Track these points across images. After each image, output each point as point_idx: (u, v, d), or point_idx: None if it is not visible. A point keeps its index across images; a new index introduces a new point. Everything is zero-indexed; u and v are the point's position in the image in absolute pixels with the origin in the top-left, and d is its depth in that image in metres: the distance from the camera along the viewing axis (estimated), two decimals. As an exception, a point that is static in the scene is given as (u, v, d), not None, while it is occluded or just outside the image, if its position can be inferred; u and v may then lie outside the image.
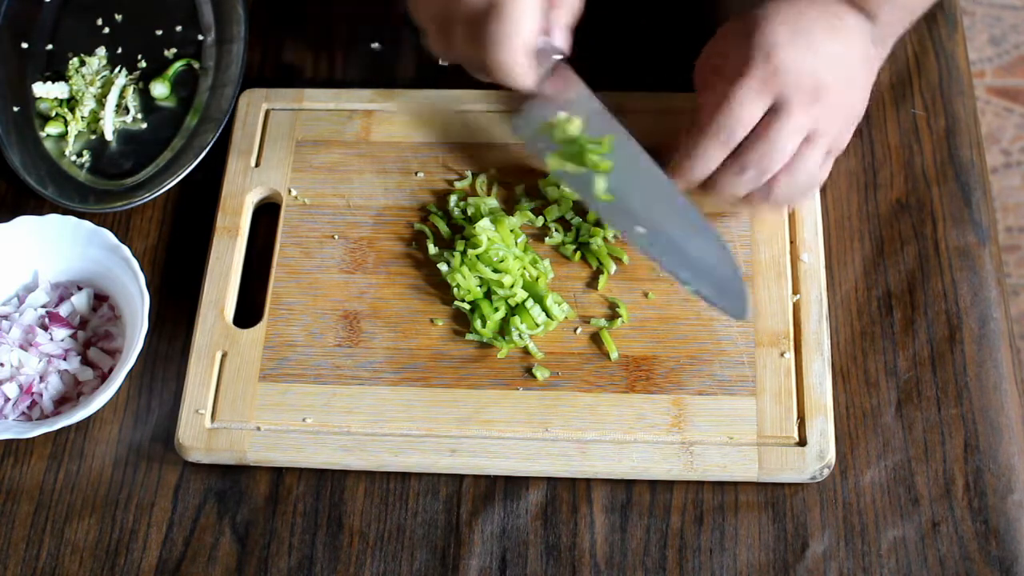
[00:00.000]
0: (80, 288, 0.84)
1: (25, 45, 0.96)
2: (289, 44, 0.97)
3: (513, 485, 0.79)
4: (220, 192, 0.88)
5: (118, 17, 0.97)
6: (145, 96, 0.94)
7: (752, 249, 0.84)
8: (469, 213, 0.85)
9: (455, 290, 0.82)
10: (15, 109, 0.93)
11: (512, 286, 0.81)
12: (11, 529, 0.79)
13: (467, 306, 0.82)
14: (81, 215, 0.88)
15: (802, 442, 0.78)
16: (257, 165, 0.89)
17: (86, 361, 0.82)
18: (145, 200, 0.88)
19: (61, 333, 0.82)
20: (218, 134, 0.90)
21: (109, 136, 0.92)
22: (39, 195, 0.89)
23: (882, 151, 0.89)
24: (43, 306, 0.84)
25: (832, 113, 0.77)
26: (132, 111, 0.93)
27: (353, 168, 0.88)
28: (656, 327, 0.82)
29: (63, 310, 0.83)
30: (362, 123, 0.91)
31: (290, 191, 0.88)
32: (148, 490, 0.80)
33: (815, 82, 0.75)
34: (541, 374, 0.80)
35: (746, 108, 0.75)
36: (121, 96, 0.93)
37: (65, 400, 0.81)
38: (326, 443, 0.79)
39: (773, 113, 0.75)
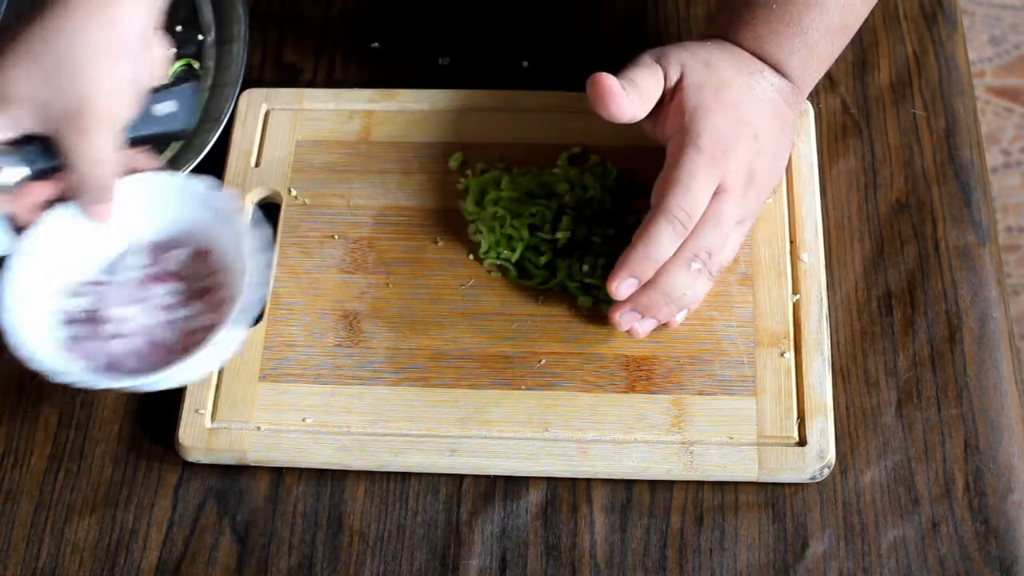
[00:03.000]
0: (177, 246, 0.83)
1: (25, 45, 0.96)
2: (289, 44, 0.97)
3: (513, 485, 0.79)
4: (220, 192, 0.88)
5: (118, 17, 0.97)
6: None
7: (752, 249, 0.84)
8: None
9: (491, 247, 0.83)
10: (15, 109, 0.93)
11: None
12: (11, 529, 0.79)
13: (508, 262, 0.82)
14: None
15: (802, 442, 0.78)
16: (257, 165, 0.89)
17: (199, 312, 0.81)
18: (145, 200, 0.88)
19: (167, 288, 0.81)
20: (218, 134, 0.90)
21: (109, 136, 0.92)
22: (39, 195, 0.89)
23: (882, 151, 0.89)
24: (144, 266, 0.82)
25: (758, 197, 0.78)
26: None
27: (353, 168, 0.88)
28: (656, 327, 0.82)
29: (164, 266, 0.82)
30: (362, 123, 0.91)
31: (290, 191, 0.88)
32: (148, 490, 0.80)
33: (750, 171, 0.76)
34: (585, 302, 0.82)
35: (702, 193, 0.74)
36: (121, 96, 0.93)
37: (185, 351, 0.79)
38: (326, 443, 0.79)
39: (715, 197, 0.75)
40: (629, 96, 0.76)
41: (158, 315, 0.80)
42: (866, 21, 0.94)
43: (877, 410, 0.80)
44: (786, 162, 0.81)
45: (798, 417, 0.78)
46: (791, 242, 0.84)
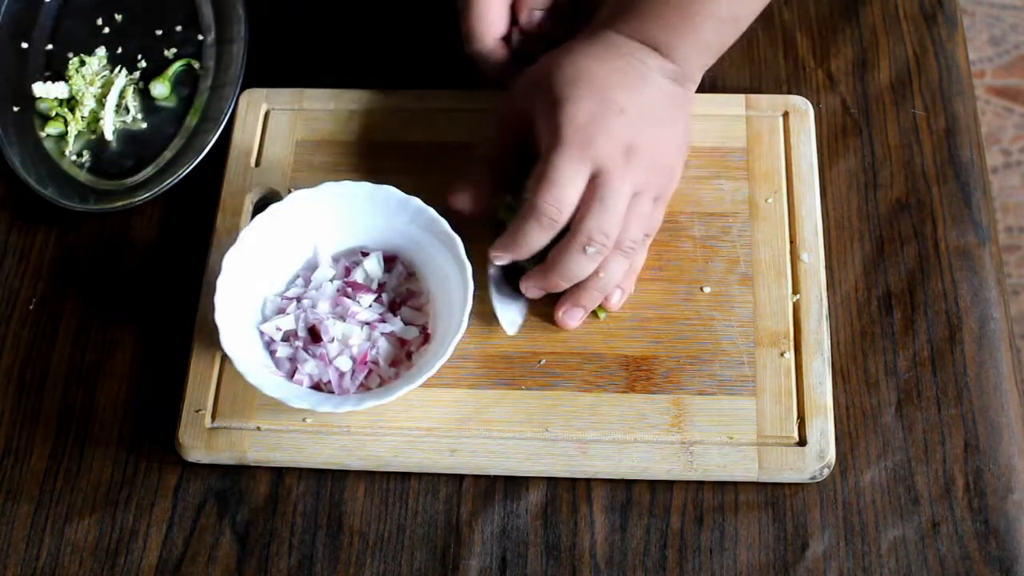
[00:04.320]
0: (365, 254, 0.83)
1: (25, 45, 0.96)
2: (289, 44, 0.97)
3: (513, 485, 0.79)
4: (220, 192, 0.88)
5: (118, 17, 0.97)
6: (145, 96, 0.94)
7: (752, 249, 0.84)
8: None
9: None
10: (15, 109, 0.93)
11: None
12: (11, 529, 0.79)
13: None
14: (81, 215, 0.88)
15: (802, 442, 0.78)
16: (257, 165, 0.89)
17: (401, 323, 0.81)
18: (145, 200, 0.88)
19: (367, 299, 0.81)
20: (218, 134, 0.90)
21: (109, 136, 0.92)
22: (39, 195, 0.89)
23: (882, 151, 0.89)
24: (332, 279, 0.82)
25: (649, 167, 0.78)
26: (132, 111, 0.93)
27: (353, 168, 0.88)
28: (656, 327, 0.82)
29: (358, 276, 0.82)
30: (362, 123, 0.91)
31: (290, 191, 0.88)
32: (148, 490, 0.80)
33: (626, 145, 0.76)
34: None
35: (570, 186, 0.75)
36: (121, 96, 0.93)
37: (396, 362, 0.80)
38: (326, 443, 0.79)
39: (595, 181, 0.76)
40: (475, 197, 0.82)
41: (364, 330, 0.80)
42: (866, 21, 0.95)
43: (877, 410, 0.80)
44: (682, 134, 0.81)
45: (798, 417, 0.78)
46: (791, 242, 0.84)
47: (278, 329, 0.80)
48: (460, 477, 0.79)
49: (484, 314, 0.82)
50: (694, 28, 0.79)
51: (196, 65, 0.95)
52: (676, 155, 0.81)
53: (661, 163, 0.79)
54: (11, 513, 0.80)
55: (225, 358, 0.81)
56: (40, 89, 0.93)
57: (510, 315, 0.81)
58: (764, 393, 0.79)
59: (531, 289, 0.80)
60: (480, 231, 0.84)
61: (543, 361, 0.81)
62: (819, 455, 0.77)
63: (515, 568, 0.76)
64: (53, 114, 0.93)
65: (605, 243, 0.77)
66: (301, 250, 0.83)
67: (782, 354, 0.80)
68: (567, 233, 0.77)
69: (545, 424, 0.79)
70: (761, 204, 0.86)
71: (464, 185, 0.82)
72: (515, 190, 0.80)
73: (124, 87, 0.94)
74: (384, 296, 0.82)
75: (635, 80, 0.78)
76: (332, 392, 0.79)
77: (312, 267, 0.83)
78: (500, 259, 0.80)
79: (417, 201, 0.81)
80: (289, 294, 0.82)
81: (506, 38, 0.85)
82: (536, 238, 0.77)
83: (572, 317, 0.81)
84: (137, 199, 0.88)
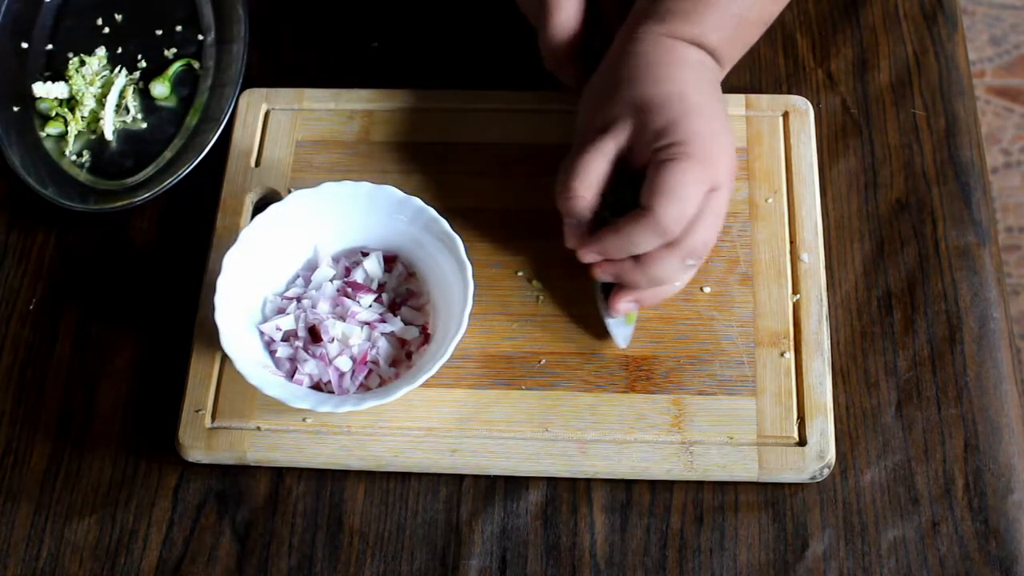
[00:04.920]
0: (365, 254, 0.83)
1: (25, 45, 0.96)
2: (289, 44, 0.97)
3: (513, 485, 0.79)
4: (220, 192, 0.88)
5: (118, 17, 0.97)
6: (145, 96, 0.94)
7: (752, 249, 0.84)
8: None
9: None
10: (15, 109, 0.93)
11: None
12: (11, 529, 0.79)
13: None
14: (81, 215, 0.88)
15: (802, 442, 0.78)
16: (257, 165, 0.89)
17: (401, 323, 0.81)
18: (145, 200, 0.88)
19: (367, 299, 0.81)
20: (218, 134, 0.90)
21: (109, 136, 0.92)
22: (39, 195, 0.89)
23: (882, 151, 0.89)
24: (332, 279, 0.82)
25: (731, 173, 0.78)
26: (132, 111, 0.93)
27: (353, 168, 0.88)
28: (656, 327, 0.82)
29: (358, 276, 0.82)
30: (362, 123, 0.91)
31: (290, 191, 0.88)
32: (148, 490, 0.80)
33: (732, 161, 0.77)
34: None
35: (692, 201, 0.74)
36: (121, 96, 0.93)
37: (396, 362, 0.80)
38: (326, 443, 0.79)
39: (708, 195, 0.76)
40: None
41: (364, 330, 0.80)
42: (866, 21, 0.95)
43: (877, 410, 0.80)
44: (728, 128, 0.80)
45: (798, 417, 0.78)
46: (791, 242, 0.84)
47: (278, 329, 0.80)
48: (460, 477, 0.79)
49: (484, 314, 0.82)
50: (736, 29, 0.80)
51: (196, 65, 0.95)
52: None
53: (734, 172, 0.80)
54: (11, 513, 0.80)
55: (225, 358, 0.81)
56: (40, 89, 0.93)
57: (622, 329, 0.81)
58: (764, 393, 0.79)
59: (605, 274, 0.79)
60: (481, 231, 0.84)
61: (543, 361, 0.81)
62: (819, 455, 0.77)
63: (515, 568, 0.76)
64: (53, 114, 0.93)
65: (703, 257, 0.78)
66: (301, 250, 0.83)
67: (782, 354, 0.80)
68: (671, 242, 0.76)
69: (545, 424, 0.79)
70: (761, 204, 0.86)
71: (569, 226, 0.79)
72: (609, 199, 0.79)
73: (124, 87, 0.94)
74: (384, 296, 0.82)
75: (717, 91, 0.79)
76: (332, 392, 0.79)
77: (312, 267, 0.83)
78: (591, 255, 0.78)
79: (417, 201, 0.81)
80: (289, 294, 0.82)
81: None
82: (645, 246, 0.76)
83: (625, 309, 0.80)
84: (137, 199, 0.88)
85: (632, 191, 0.76)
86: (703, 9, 0.78)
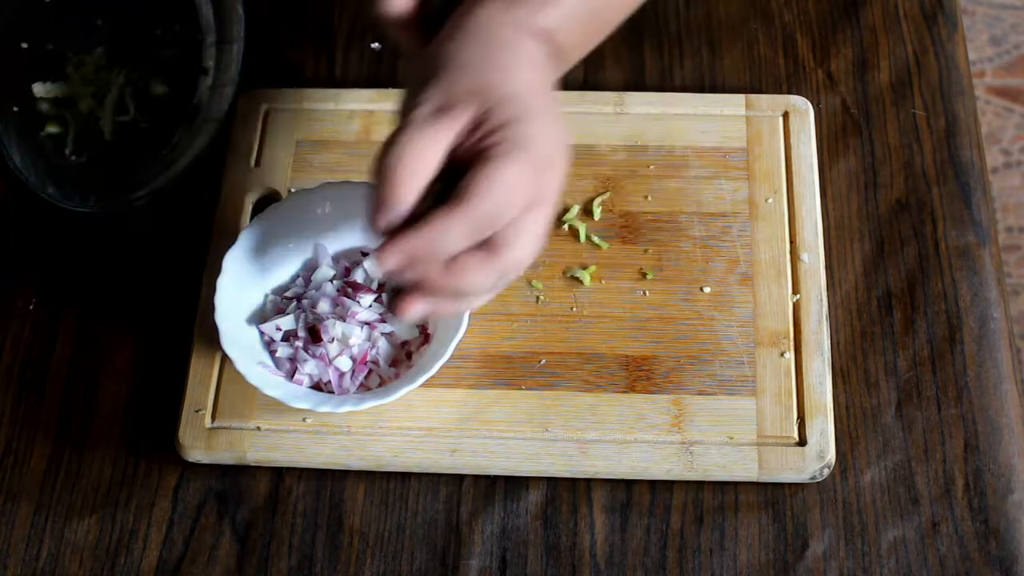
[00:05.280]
0: (365, 254, 0.83)
1: (25, 45, 0.96)
2: (289, 44, 0.97)
3: (513, 485, 0.79)
4: (220, 192, 0.88)
5: (118, 17, 0.97)
6: (145, 96, 0.94)
7: (752, 249, 0.84)
8: None
9: None
10: (15, 109, 0.93)
11: None
12: (11, 529, 0.79)
13: None
14: (81, 215, 0.88)
15: (802, 442, 0.78)
16: (257, 165, 0.89)
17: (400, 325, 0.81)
18: (145, 200, 0.88)
19: (367, 299, 0.81)
20: (218, 134, 0.90)
21: (109, 136, 0.92)
22: (39, 195, 0.89)
23: (882, 151, 0.89)
24: (332, 279, 0.82)
25: (557, 194, 0.70)
26: (132, 111, 0.93)
27: (353, 168, 0.88)
28: (656, 327, 0.82)
29: (358, 276, 0.82)
30: (362, 123, 0.91)
31: (290, 191, 0.88)
32: (148, 490, 0.80)
33: (561, 173, 0.69)
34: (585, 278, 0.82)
35: (519, 204, 0.66)
36: (120, 96, 0.93)
37: (396, 362, 0.80)
38: (326, 443, 0.79)
39: (534, 210, 0.68)
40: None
41: (364, 330, 0.80)
42: (866, 21, 0.95)
43: (877, 410, 0.80)
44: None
45: (798, 417, 0.78)
46: (791, 242, 0.84)
47: (278, 329, 0.80)
48: (460, 477, 0.79)
49: (484, 314, 0.82)
50: (585, 28, 0.74)
51: (196, 65, 0.95)
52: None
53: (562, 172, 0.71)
54: (11, 513, 0.80)
55: (225, 358, 0.81)
56: (40, 89, 0.93)
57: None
58: (764, 393, 0.79)
59: (418, 309, 0.69)
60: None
61: (543, 361, 0.81)
62: (819, 455, 0.77)
63: (515, 568, 0.76)
64: (53, 114, 0.93)
65: (516, 276, 0.70)
66: (301, 250, 0.83)
67: (782, 354, 0.80)
68: (487, 246, 0.67)
69: (545, 424, 0.79)
70: (761, 204, 0.86)
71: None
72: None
73: (123, 87, 0.94)
74: (384, 296, 0.82)
75: (553, 96, 0.72)
76: (332, 392, 0.79)
77: (312, 267, 0.83)
78: (394, 258, 0.67)
79: None
80: (289, 294, 0.82)
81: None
82: (455, 244, 0.66)
83: (415, 315, 0.69)
84: (137, 199, 0.88)
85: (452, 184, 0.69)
86: (554, 2, 0.71)
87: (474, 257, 0.67)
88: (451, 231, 0.65)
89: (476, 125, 0.68)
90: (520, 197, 0.66)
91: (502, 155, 0.66)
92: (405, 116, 0.68)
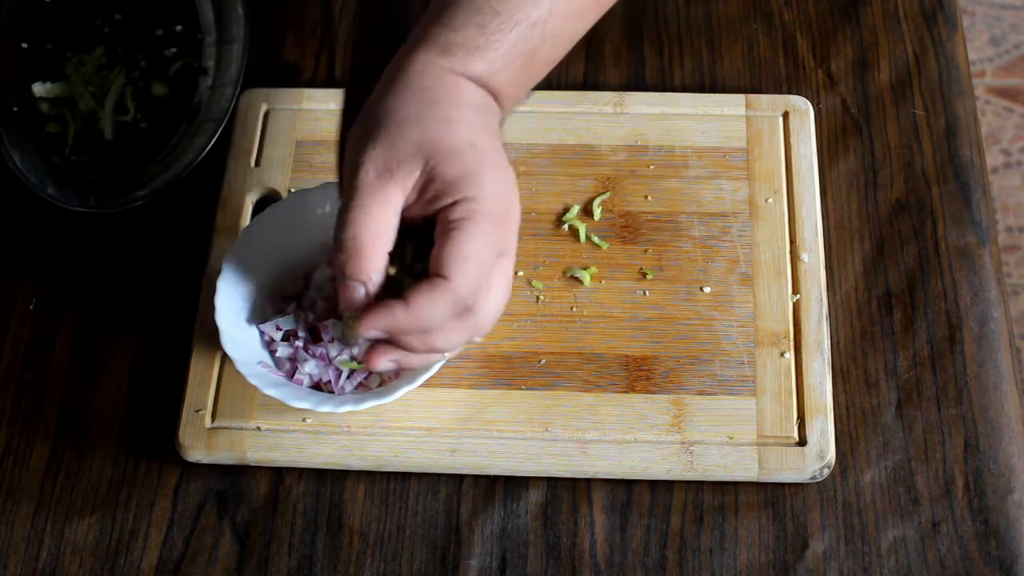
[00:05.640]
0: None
1: (25, 45, 0.96)
2: (289, 44, 0.97)
3: (513, 485, 0.79)
4: (220, 192, 0.88)
5: (118, 17, 0.97)
6: (145, 96, 0.94)
7: (752, 249, 0.84)
8: None
9: None
10: (15, 109, 0.93)
11: None
12: (11, 529, 0.79)
13: None
14: (81, 215, 0.88)
15: (802, 442, 0.78)
16: (257, 165, 0.89)
17: None
18: (145, 200, 0.88)
19: None
20: (218, 134, 0.90)
21: (109, 136, 0.92)
22: (39, 195, 0.89)
23: (882, 151, 0.89)
24: (332, 278, 0.81)
25: (516, 237, 0.69)
26: (132, 111, 0.93)
27: (353, 168, 0.88)
28: (656, 327, 0.82)
29: None
30: (362, 123, 0.91)
31: (290, 191, 0.88)
32: (148, 490, 0.80)
33: (517, 217, 0.69)
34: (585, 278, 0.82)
35: (489, 264, 0.66)
36: (121, 96, 0.93)
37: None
38: (326, 443, 0.79)
39: (500, 262, 0.68)
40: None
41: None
42: (866, 21, 0.95)
43: (877, 410, 0.80)
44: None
45: (798, 417, 0.78)
46: (791, 242, 0.84)
47: (278, 329, 0.80)
48: (460, 477, 0.79)
49: (484, 314, 0.82)
50: (523, 70, 0.71)
51: (196, 65, 0.95)
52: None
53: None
54: (11, 513, 0.80)
55: (225, 358, 0.81)
56: (40, 89, 0.93)
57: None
58: (764, 393, 0.79)
59: (386, 363, 0.69)
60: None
61: (543, 361, 0.81)
62: (819, 455, 0.77)
63: (515, 568, 0.76)
64: (53, 114, 0.93)
65: (487, 332, 0.69)
66: (301, 250, 0.83)
67: (782, 354, 0.80)
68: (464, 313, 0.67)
69: (545, 424, 0.79)
70: (761, 204, 0.86)
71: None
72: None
73: (124, 87, 0.94)
74: (333, 327, 0.82)
75: (500, 138, 0.70)
76: (332, 392, 0.79)
77: (312, 267, 0.83)
78: (373, 333, 0.67)
79: None
80: (289, 294, 0.82)
81: None
82: (440, 320, 0.66)
83: (385, 368, 0.70)
84: (137, 199, 0.88)
85: (413, 244, 0.69)
86: (491, 45, 0.69)
87: (449, 323, 0.67)
88: (435, 311, 0.65)
89: (426, 183, 0.66)
90: (490, 258, 0.66)
91: (467, 228, 0.65)
92: (351, 179, 0.67)
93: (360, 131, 0.68)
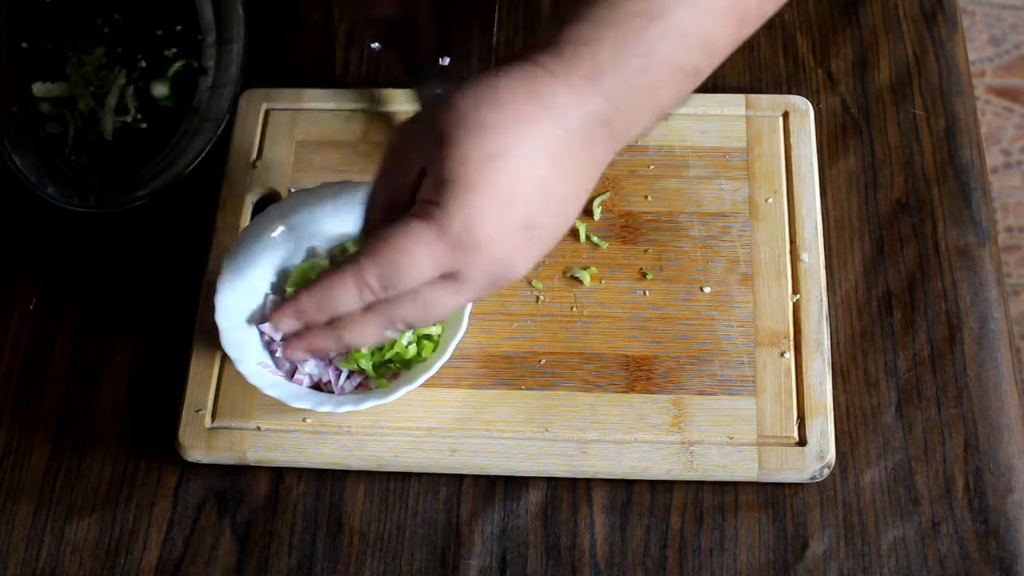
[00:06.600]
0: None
1: (25, 45, 0.96)
2: (289, 44, 0.97)
3: (513, 485, 0.79)
4: (220, 192, 0.88)
5: (118, 17, 0.97)
6: (145, 96, 0.94)
7: (752, 249, 0.84)
8: None
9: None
10: (15, 109, 0.93)
11: None
12: (11, 529, 0.79)
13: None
14: (81, 215, 0.88)
15: (802, 442, 0.78)
16: (257, 165, 0.89)
17: None
18: (145, 200, 0.88)
19: None
20: (218, 134, 0.90)
21: (109, 136, 0.92)
22: (39, 195, 0.89)
23: (882, 151, 0.89)
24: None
25: (493, 284, 0.65)
26: (132, 111, 0.93)
27: (353, 168, 0.88)
28: (656, 327, 0.82)
29: None
30: (362, 123, 0.91)
31: (290, 191, 0.88)
32: (148, 490, 0.80)
33: (508, 262, 0.64)
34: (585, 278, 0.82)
35: (422, 275, 0.63)
36: (121, 96, 0.93)
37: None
38: (326, 443, 0.79)
39: (444, 283, 0.64)
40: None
41: None
42: (866, 21, 0.95)
43: (877, 410, 0.80)
44: (575, 205, 0.67)
45: (798, 417, 0.78)
46: (791, 242, 0.84)
47: (278, 329, 0.80)
48: (460, 477, 0.79)
49: (484, 314, 0.82)
50: (639, 69, 0.65)
51: (196, 65, 0.95)
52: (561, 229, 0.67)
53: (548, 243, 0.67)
54: (11, 513, 0.80)
55: (225, 358, 0.81)
56: (40, 89, 0.94)
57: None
58: (764, 393, 0.79)
59: (298, 352, 0.69)
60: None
61: (543, 361, 0.81)
62: (819, 455, 0.77)
63: (515, 568, 0.76)
64: (53, 114, 0.93)
65: (404, 329, 0.67)
66: (301, 250, 0.83)
67: (782, 354, 0.80)
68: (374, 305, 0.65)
69: (545, 424, 0.79)
70: (761, 204, 0.86)
71: None
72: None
73: (124, 87, 0.94)
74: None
75: (552, 165, 0.65)
76: (332, 392, 0.79)
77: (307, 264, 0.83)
78: (287, 321, 0.68)
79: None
80: (289, 294, 0.82)
81: None
82: (344, 305, 0.65)
83: (296, 355, 0.70)
84: (137, 199, 0.88)
85: None
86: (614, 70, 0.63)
87: (359, 313, 0.65)
88: (339, 293, 0.64)
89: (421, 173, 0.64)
90: (420, 269, 0.62)
91: (408, 223, 0.62)
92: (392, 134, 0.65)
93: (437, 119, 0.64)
